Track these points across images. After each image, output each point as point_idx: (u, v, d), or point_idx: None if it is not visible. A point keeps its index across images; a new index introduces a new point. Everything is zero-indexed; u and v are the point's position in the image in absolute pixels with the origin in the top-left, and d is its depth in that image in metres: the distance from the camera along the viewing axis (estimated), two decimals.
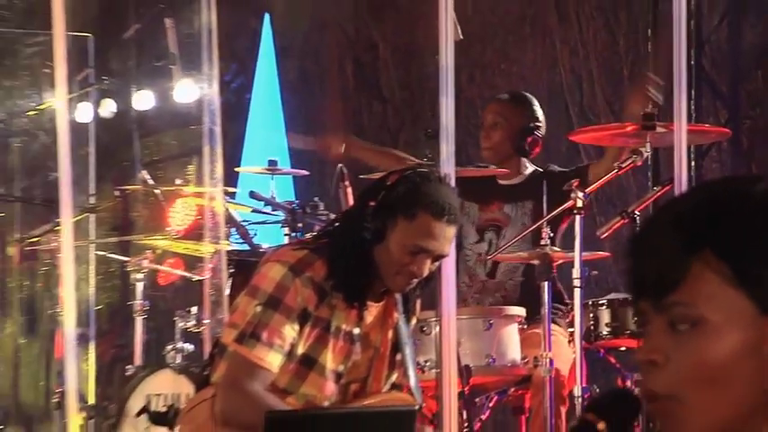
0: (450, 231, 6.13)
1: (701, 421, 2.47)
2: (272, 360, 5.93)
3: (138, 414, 7.57)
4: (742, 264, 2.42)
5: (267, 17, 9.99)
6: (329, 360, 5.98)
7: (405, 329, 6.23)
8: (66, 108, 8.09)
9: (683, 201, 2.56)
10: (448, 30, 7.28)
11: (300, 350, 5.96)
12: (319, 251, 6.14)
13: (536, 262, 7.93)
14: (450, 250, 6.34)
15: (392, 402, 6.37)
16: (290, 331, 5.97)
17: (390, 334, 6.14)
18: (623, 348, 8.22)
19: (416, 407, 6.56)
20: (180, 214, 8.69)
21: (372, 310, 6.10)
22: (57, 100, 8.11)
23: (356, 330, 6.04)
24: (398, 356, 6.27)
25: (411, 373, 6.18)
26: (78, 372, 8.11)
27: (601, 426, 2.57)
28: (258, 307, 6.00)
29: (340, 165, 8.56)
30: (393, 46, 10.30)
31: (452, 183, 7.33)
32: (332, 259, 6.04)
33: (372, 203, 6.09)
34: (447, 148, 7.19)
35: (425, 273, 6.06)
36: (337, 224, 6.53)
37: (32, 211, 9.31)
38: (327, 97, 10.91)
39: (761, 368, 2.44)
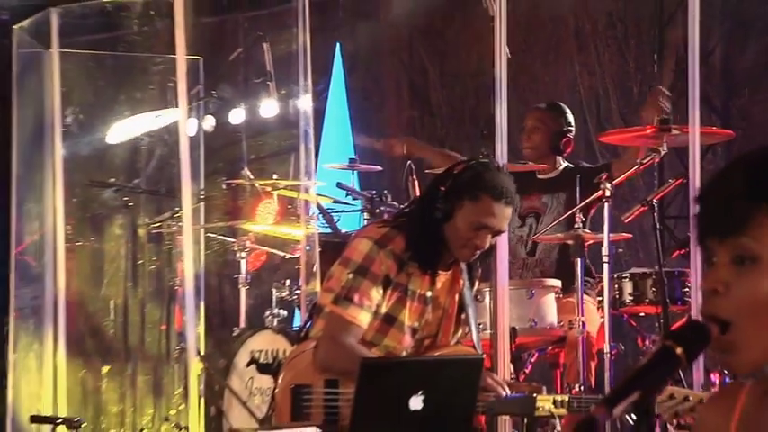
0: (508, 211, 6.12)
1: (754, 350, 2.51)
2: (363, 318, 6.02)
3: (248, 365, 7.60)
4: None
5: (338, 44, 9.94)
6: (407, 318, 6.03)
7: (469, 294, 6.23)
8: (185, 117, 8.16)
9: (752, 159, 2.58)
10: (502, 50, 7.32)
11: (384, 310, 6.01)
12: (399, 228, 6.19)
13: (570, 242, 7.96)
14: (507, 228, 6.35)
15: (459, 354, 6.39)
16: (376, 294, 6.04)
17: (457, 297, 6.13)
18: (642, 314, 8.21)
19: (482, 356, 6.61)
20: (273, 205, 8.71)
21: (442, 277, 6.13)
22: (180, 110, 8.19)
23: (429, 294, 6.07)
24: (463, 316, 6.28)
25: (474, 330, 6.19)
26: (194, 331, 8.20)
27: (679, 350, 2.48)
28: (350, 275, 6.08)
29: (409, 162, 8.61)
30: (441, 70, 10.32)
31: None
32: (410, 235, 6.09)
33: (442, 188, 6.11)
34: (501, 146, 7.26)
35: (487, 246, 6.07)
36: (414, 207, 6.55)
37: (156, 201, 9.28)
38: (388, 109, 10.94)
39: None
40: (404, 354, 6.08)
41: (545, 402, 6.47)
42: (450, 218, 6.05)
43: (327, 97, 10.19)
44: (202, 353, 8.36)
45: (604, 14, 9.98)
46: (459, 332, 6.36)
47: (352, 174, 8.93)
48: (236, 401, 7.85)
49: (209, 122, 9.21)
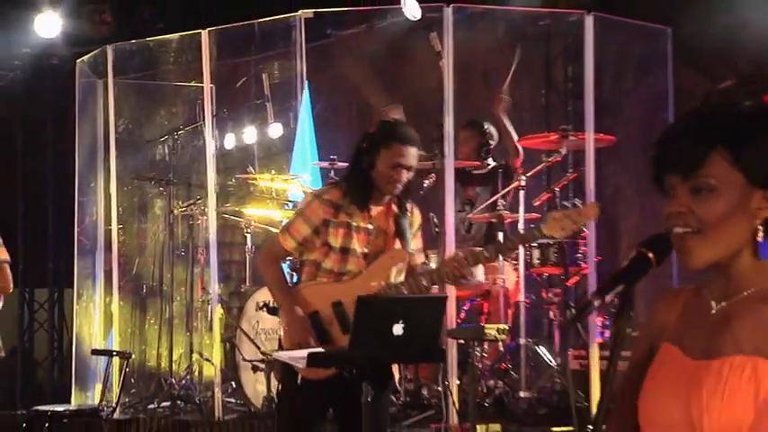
0: (413, 150, 5.94)
1: (709, 248, 2.56)
2: (289, 244, 5.98)
3: (258, 309, 7.58)
4: (740, 154, 2.52)
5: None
6: (357, 246, 5.88)
7: (404, 220, 6.01)
8: (211, 129, 8.20)
9: (705, 112, 2.64)
10: (449, 76, 7.41)
11: (338, 245, 5.87)
12: (338, 183, 6.13)
13: (495, 220, 7.99)
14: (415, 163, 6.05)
15: (429, 294, 6.33)
16: (305, 230, 5.94)
17: (391, 222, 5.96)
18: (546, 274, 8.20)
19: (446, 296, 6.64)
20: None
21: (377, 211, 5.96)
22: (206, 125, 8.28)
23: (369, 225, 5.92)
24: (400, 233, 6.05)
25: (407, 242, 5.94)
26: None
27: (650, 255, 2.56)
28: (294, 215, 6.17)
29: None
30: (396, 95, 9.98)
31: (452, 170, 7.53)
32: (346, 185, 5.99)
33: (364, 146, 5.97)
34: (449, 148, 7.37)
35: (404, 179, 5.89)
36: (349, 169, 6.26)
37: (186, 190, 9.27)
38: (347, 132, 10.73)
39: (748, 217, 2.54)
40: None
41: (491, 330, 6.56)
42: (374, 165, 5.90)
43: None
44: (222, 303, 8.35)
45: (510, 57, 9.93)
46: (398, 245, 6.05)
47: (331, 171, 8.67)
48: (246, 338, 7.80)
49: (231, 141, 9.26)
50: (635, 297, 2.62)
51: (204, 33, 8.22)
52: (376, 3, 9.21)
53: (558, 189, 8.16)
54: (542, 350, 7.63)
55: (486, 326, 6.90)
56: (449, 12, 7.58)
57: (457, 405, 6.97)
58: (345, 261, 5.91)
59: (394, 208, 6.03)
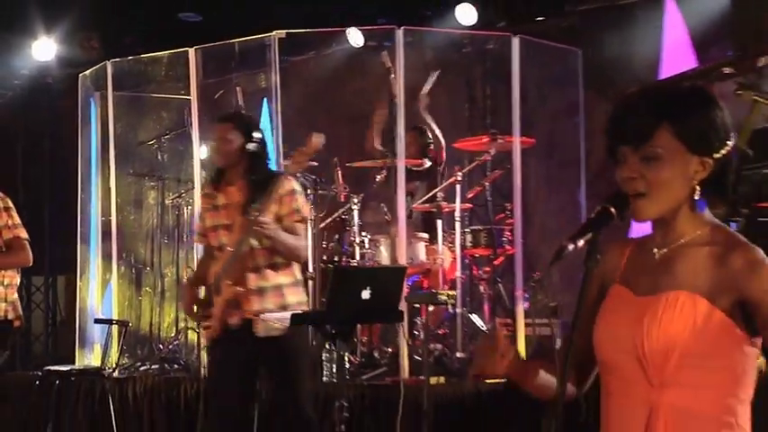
0: (218, 126, 5.89)
1: (655, 206, 2.62)
2: (197, 238, 6.21)
3: None
4: (681, 127, 2.59)
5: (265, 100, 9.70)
6: (224, 220, 5.78)
7: (255, 191, 5.71)
8: (197, 134, 8.21)
9: (654, 91, 2.73)
10: (401, 88, 7.46)
11: (212, 224, 5.83)
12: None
13: (434, 210, 8.03)
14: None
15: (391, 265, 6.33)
16: (198, 222, 6.14)
17: (242, 195, 5.74)
18: (478, 254, 8.17)
19: (406, 266, 6.68)
20: None
21: (231, 190, 5.80)
22: (194, 130, 8.33)
23: (225, 201, 5.81)
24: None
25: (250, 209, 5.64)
26: None
27: (612, 209, 2.60)
28: None
29: (335, 158, 8.31)
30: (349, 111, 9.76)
31: (403, 168, 7.58)
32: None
33: None
34: (400, 148, 7.44)
35: (218, 148, 5.83)
36: None
37: (175, 184, 9.22)
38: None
39: (687, 179, 2.60)
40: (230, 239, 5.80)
41: (443, 295, 6.61)
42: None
43: None
44: None
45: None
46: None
47: None
48: None
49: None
50: (600, 245, 2.71)
51: (191, 51, 8.20)
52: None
53: (487, 183, 8.28)
54: (475, 317, 7.72)
55: (439, 291, 6.99)
56: (400, 33, 7.57)
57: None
58: (218, 235, 5.81)
59: (243, 183, 5.83)
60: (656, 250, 2.72)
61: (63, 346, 10.60)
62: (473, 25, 9.26)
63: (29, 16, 10.23)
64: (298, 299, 5.80)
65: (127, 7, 10.18)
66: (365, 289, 5.39)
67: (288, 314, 5.53)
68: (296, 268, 5.90)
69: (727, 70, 4.42)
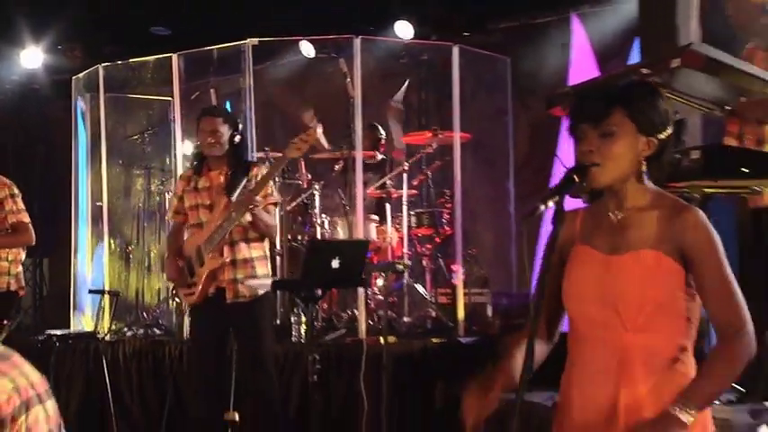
0: (211, 119, 5.87)
1: (607, 175, 2.69)
2: (170, 214, 6.15)
3: None
4: (632, 110, 2.67)
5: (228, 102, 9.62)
6: (206, 200, 5.83)
7: (236, 177, 5.80)
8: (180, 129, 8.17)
9: (608, 83, 2.79)
10: (357, 90, 7.44)
11: (191, 203, 5.86)
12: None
13: (384, 195, 8.09)
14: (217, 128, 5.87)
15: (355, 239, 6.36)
16: (174, 201, 6.06)
17: (222, 179, 5.82)
18: (421, 234, 8.16)
19: (369, 240, 6.72)
20: None
21: (213, 174, 5.87)
22: (177, 126, 8.28)
23: (207, 184, 5.84)
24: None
25: (233, 193, 5.77)
26: None
27: (576, 177, 2.68)
28: None
29: None
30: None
31: (360, 160, 7.51)
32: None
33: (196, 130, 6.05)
34: (358, 142, 7.46)
35: (210, 140, 5.81)
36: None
37: (159, 173, 9.17)
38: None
39: (636, 155, 2.69)
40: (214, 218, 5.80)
41: (400, 264, 6.68)
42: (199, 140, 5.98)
43: None
44: None
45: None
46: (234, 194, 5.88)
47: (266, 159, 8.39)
48: None
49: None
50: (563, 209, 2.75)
51: (174, 56, 8.16)
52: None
53: (429, 173, 8.35)
54: (419, 287, 7.75)
55: (396, 261, 7.05)
56: (357, 42, 7.57)
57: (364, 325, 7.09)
58: (198, 213, 5.85)
59: (226, 169, 5.87)
60: (612, 215, 2.77)
61: (49, 317, 10.57)
62: (418, 37, 9.31)
63: (17, 28, 10.12)
64: (265, 271, 5.84)
65: (105, 21, 10.10)
66: (335, 259, 5.47)
67: (269, 281, 5.62)
68: (266, 244, 5.94)
69: (644, 71, 4.43)
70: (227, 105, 9.44)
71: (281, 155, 6.21)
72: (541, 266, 2.75)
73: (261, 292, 5.72)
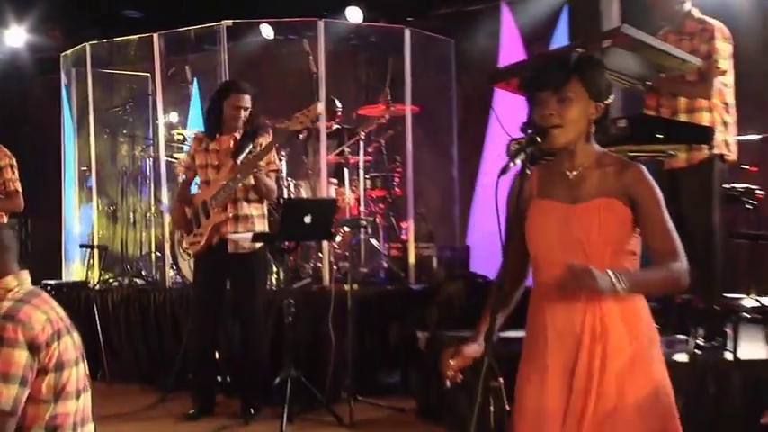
0: (244, 96, 5.94)
1: (566, 135, 2.77)
2: (182, 170, 6.19)
3: None
4: (584, 79, 2.76)
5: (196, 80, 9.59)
6: (214, 161, 5.96)
7: (243, 142, 5.94)
8: (161, 102, 8.08)
9: (564, 56, 2.87)
10: (322, 73, 7.50)
11: (201, 162, 5.99)
12: (203, 130, 6.20)
13: (342, 161, 8.06)
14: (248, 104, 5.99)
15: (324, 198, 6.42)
16: (187, 158, 6.18)
17: (232, 143, 5.95)
18: (375, 196, 8.14)
19: (337, 199, 6.77)
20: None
21: (223, 139, 5.99)
22: (158, 98, 8.14)
23: (216, 147, 5.97)
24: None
25: (242, 156, 5.90)
26: None
27: (538, 138, 2.75)
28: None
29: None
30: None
31: (324, 129, 7.53)
32: (205, 126, 6.13)
33: (215, 97, 6.05)
34: (322, 114, 7.38)
35: (242, 116, 5.95)
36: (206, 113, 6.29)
37: (141, 141, 9.11)
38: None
39: (587, 118, 2.78)
40: (222, 180, 5.90)
41: (364, 221, 6.73)
42: (222, 110, 5.94)
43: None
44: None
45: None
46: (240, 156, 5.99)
47: None
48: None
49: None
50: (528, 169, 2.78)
51: (155, 36, 8.08)
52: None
53: (383, 141, 8.35)
54: (374, 242, 7.82)
55: (360, 218, 7.13)
56: (321, 24, 7.56)
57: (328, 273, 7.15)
58: (206, 172, 5.97)
59: (237, 135, 5.99)
60: (568, 172, 2.84)
61: (37, 271, 10.37)
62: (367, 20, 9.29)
63: (1, 8, 10.01)
64: (262, 228, 5.99)
65: (82, 4, 9.99)
66: (307, 216, 5.56)
67: (249, 235, 5.71)
68: (264, 204, 6.09)
69: (579, 50, 4.53)
70: (196, 82, 9.45)
71: (284, 126, 6.26)
72: (508, 217, 2.89)
73: (247, 245, 5.81)
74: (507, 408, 2.63)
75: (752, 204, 5.29)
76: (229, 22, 7.95)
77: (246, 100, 5.99)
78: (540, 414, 2.77)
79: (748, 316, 3.84)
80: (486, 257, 8.10)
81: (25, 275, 3.18)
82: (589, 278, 2.55)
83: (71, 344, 3.08)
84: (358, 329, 6.26)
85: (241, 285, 6.00)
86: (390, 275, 7.65)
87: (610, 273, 2.59)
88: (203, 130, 6.24)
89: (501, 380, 2.59)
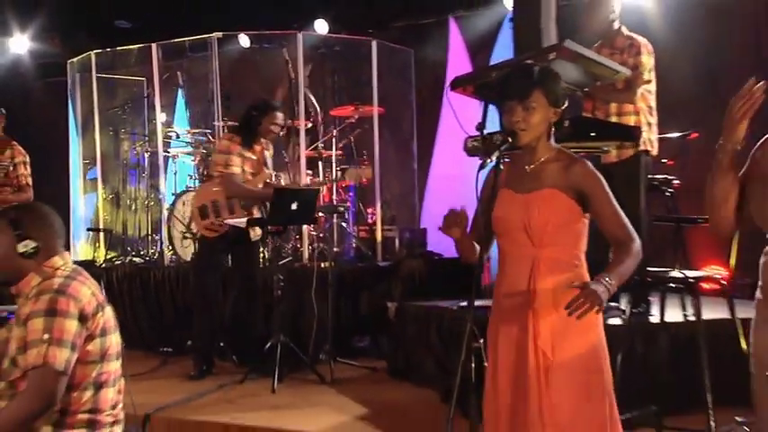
0: (282, 116, 6.07)
1: (530, 136, 2.88)
2: (235, 169, 5.96)
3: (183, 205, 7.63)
4: (545, 89, 2.85)
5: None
6: (249, 168, 6.02)
7: (266, 151, 6.17)
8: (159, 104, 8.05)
9: (528, 70, 2.94)
10: (300, 74, 7.53)
11: (242, 168, 6.00)
12: (237, 132, 6.11)
13: (316, 155, 8.04)
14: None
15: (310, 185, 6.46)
16: (236, 159, 5.97)
17: (264, 153, 6.11)
18: (345, 185, 8.09)
19: (320, 188, 6.82)
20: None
21: (257, 148, 6.07)
22: (156, 100, 8.13)
23: (252, 156, 6.03)
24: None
25: (269, 163, 6.18)
26: None
27: (509, 138, 2.83)
28: (224, 156, 6.02)
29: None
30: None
31: (303, 126, 7.53)
32: (242, 135, 6.04)
33: (254, 113, 6.01)
34: (301, 113, 7.47)
35: (279, 131, 6.15)
36: (242, 124, 6.20)
37: (141, 137, 9.01)
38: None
39: (546, 122, 2.89)
40: (259, 184, 6.06)
41: (340, 207, 6.84)
42: (260, 123, 5.96)
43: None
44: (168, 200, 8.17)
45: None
46: (267, 171, 6.21)
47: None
48: (177, 221, 7.65)
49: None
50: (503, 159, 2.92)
51: (154, 45, 8.04)
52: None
53: (352, 137, 8.30)
54: (343, 225, 7.83)
55: (337, 204, 7.20)
56: (300, 36, 7.62)
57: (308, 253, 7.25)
58: (252, 176, 6.03)
59: (264, 145, 6.12)
60: (527, 167, 2.96)
61: None
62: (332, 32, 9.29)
63: (6, 18, 9.92)
64: (258, 214, 6.11)
65: (79, 15, 9.94)
66: (293, 202, 5.66)
67: (245, 219, 5.78)
68: None
69: (529, 62, 4.57)
70: (180, 92, 9.39)
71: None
72: (482, 200, 3.00)
73: (258, 231, 5.96)
74: (486, 364, 2.71)
75: (670, 192, 5.50)
76: (219, 34, 7.95)
77: (281, 118, 6.09)
78: (494, 367, 2.89)
79: (673, 285, 4.01)
80: (439, 238, 8.27)
81: (68, 256, 3.27)
82: (596, 299, 2.61)
83: (111, 315, 3.19)
84: (335, 300, 6.34)
85: (245, 264, 6.13)
86: (359, 254, 7.72)
87: (604, 285, 2.64)
88: (236, 134, 6.19)
89: (481, 341, 2.70)
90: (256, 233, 6.00)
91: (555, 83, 2.96)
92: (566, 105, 2.96)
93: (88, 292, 3.10)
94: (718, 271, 4.77)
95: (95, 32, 10.13)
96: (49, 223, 3.18)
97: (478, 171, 2.83)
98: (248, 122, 6.07)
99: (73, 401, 2.99)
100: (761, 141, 2.64)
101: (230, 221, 5.83)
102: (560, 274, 2.85)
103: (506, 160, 3.08)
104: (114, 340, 3.14)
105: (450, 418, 2.67)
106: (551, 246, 2.85)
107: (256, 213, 6.08)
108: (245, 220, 5.76)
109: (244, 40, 9.02)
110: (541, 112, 2.91)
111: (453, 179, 8.49)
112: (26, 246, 3.07)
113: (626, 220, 2.88)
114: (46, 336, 2.88)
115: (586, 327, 2.79)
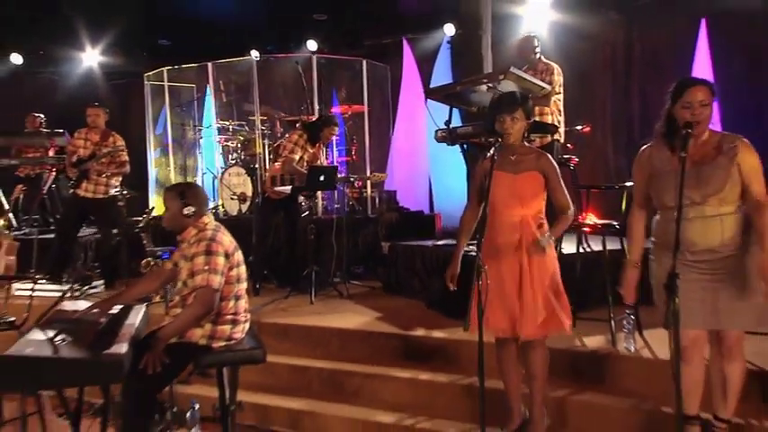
0: (337, 128, 5.83)
1: (514, 137, 2.91)
2: (295, 156, 5.74)
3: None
4: (524, 108, 2.97)
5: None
6: (307, 158, 5.85)
7: (322, 151, 6.07)
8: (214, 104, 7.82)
9: (514, 96, 3.03)
10: (315, 89, 7.43)
11: (302, 157, 5.83)
12: (305, 130, 5.91)
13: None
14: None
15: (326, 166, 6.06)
16: (298, 151, 5.78)
17: (317, 151, 5.94)
18: (341, 160, 7.98)
19: (336, 166, 6.84)
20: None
21: (317, 144, 5.90)
22: (212, 104, 7.96)
23: (313, 151, 5.86)
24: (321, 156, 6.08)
25: (322, 158, 5.98)
26: None
27: (499, 139, 2.92)
28: (293, 145, 5.83)
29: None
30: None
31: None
32: (308, 133, 5.88)
33: (320, 122, 5.87)
34: (315, 112, 7.37)
35: (334, 137, 6.02)
36: (310, 126, 5.99)
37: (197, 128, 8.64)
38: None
39: (524, 128, 3.03)
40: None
41: (351, 178, 6.90)
42: (323, 130, 5.82)
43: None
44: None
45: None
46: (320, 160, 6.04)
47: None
48: (226, 188, 7.47)
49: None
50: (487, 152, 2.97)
51: (210, 65, 7.92)
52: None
53: (346, 127, 8.09)
54: (340, 188, 7.36)
55: (349, 176, 7.15)
56: (314, 57, 7.61)
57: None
58: (302, 163, 5.83)
59: (321, 146, 6.02)
60: (511, 156, 3.11)
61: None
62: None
63: (78, 35, 9.62)
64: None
65: (136, 36, 9.72)
66: (321, 175, 5.62)
67: (289, 187, 5.91)
68: None
69: (484, 80, 4.50)
70: (208, 91, 9.10)
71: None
72: (478, 181, 3.11)
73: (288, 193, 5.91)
74: (489, 282, 2.85)
75: (572, 167, 5.80)
76: (257, 54, 7.82)
77: (337, 130, 5.89)
78: (499, 275, 2.98)
79: (588, 230, 4.27)
80: (404, 196, 8.53)
81: (211, 215, 3.53)
82: (540, 248, 2.86)
83: (240, 253, 3.49)
84: (346, 242, 6.42)
85: (292, 217, 6.13)
86: (352, 209, 7.76)
87: (545, 238, 2.83)
88: (305, 131, 5.93)
89: (486, 267, 2.86)
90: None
91: (528, 103, 3.19)
92: (533, 118, 3.16)
93: (227, 239, 3.41)
94: (593, 219, 4.93)
95: (147, 49, 9.93)
96: (201, 195, 3.45)
97: (482, 161, 3.01)
98: (316, 127, 5.90)
99: (222, 308, 3.33)
100: (646, 151, 2.78)
101: (279, 189, 5.96)
102: (535, 224, 3.10)
103: (491, 154, 3.13)
104: (243, 269, 3.46)
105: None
106: (531, 207, 3.07)
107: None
108: (289, 188, 5.89)
109: (254, 53, 8.81)
110: (521, 122, 3.12)
111: (406, 153, 8.67)
112: (189, 209, 3.34)
113: (566, 193, 3.07)
114: (206, 267, 3.19)
115: (549, 256, 3.05)
